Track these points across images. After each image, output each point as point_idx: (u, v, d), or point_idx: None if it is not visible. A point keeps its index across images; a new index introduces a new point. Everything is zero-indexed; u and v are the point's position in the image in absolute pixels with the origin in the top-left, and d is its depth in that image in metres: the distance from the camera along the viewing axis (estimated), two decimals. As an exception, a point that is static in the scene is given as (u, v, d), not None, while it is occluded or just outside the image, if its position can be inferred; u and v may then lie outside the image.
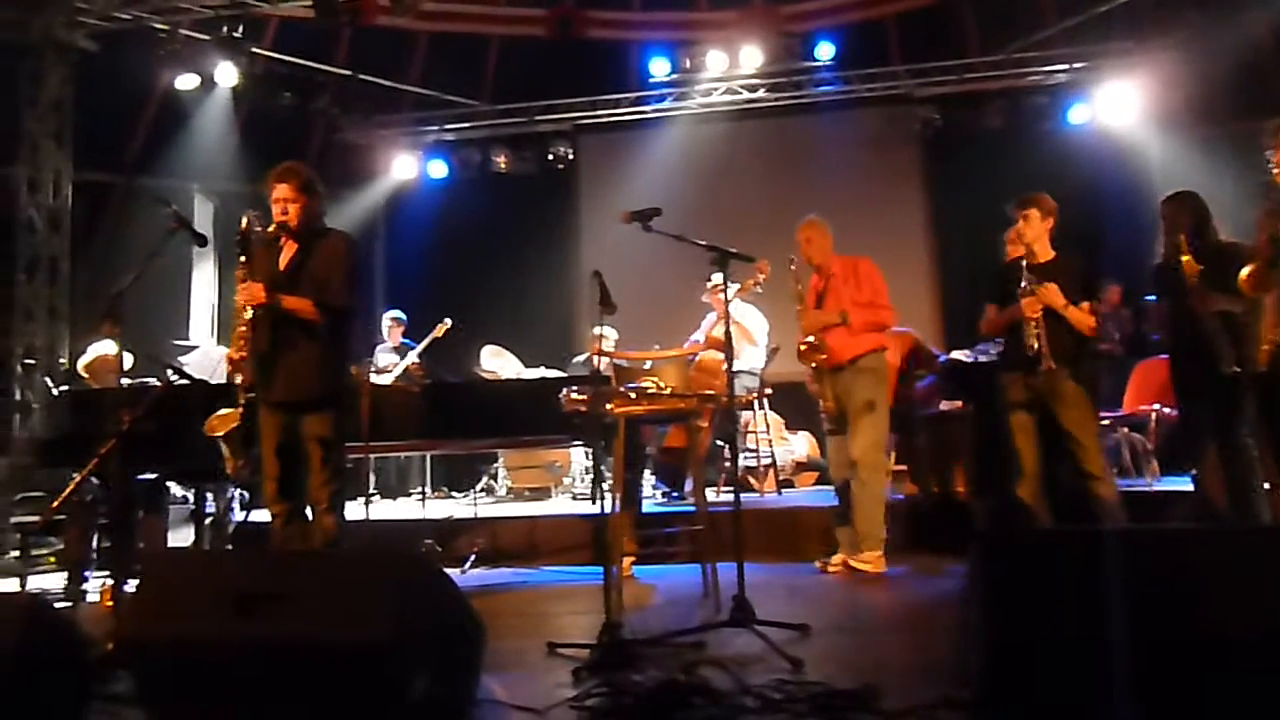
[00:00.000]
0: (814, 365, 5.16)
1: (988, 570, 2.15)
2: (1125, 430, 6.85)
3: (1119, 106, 9.26)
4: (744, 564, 3.54)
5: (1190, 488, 4.77)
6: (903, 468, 6.96)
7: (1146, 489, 6.29)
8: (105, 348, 5.75)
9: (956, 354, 6.50)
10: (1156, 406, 6.48)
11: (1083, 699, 2.08)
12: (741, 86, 10.23)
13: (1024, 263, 4.60)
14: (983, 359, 5.99)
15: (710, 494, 5.50)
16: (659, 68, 10.29)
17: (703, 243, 3.73)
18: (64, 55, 8.52)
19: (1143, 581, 2.09)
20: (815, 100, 10.21)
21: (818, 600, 4.52)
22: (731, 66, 10.04)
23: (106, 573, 5.39)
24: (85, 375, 5.93)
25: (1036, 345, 4.50)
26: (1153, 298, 5.00)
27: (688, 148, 10.35)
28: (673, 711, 2.39)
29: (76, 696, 2.58)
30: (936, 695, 2.40)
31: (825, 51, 9.88)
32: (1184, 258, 4.18)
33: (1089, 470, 4.51)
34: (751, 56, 9.89)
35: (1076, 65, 9.48)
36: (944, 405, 6.83)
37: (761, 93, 10.23)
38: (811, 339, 5.11)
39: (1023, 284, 4.55)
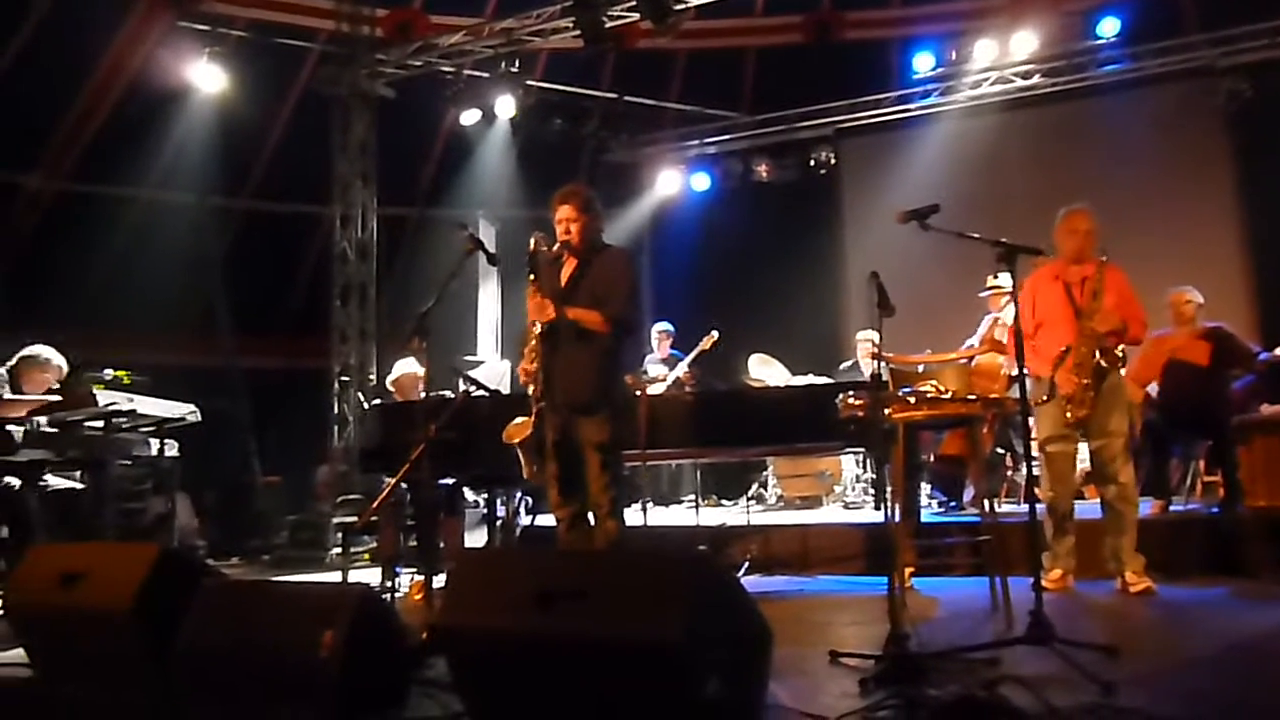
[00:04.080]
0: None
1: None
2: None
3: None
4: (1040, 578, 3.31)
5: None
6: (1214, 478, 6.29)
7: None
8: (410, 364, 6.29)
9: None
10: None
11: None
12: (1014, 75, 9.67)
13: None
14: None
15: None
16: (923, 63, 9.95)
17: (988, 238, 3.54)
18: (368, 103, 9.48)
19: None
20: (1099, 82, 9.47)
21: (1119, 620, 4.17)
22: (1002, 54, 9.53)
23: (414, 569, 5.90)
24: (392, 389, 6.51)
25: None
26: None
27: (955, 143, 9.92)
28: (972, 729, 2.27)
29: (400, 679, 2.83)
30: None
31: (1109, 28, 9.17)
32: None
33: None
34: (1025, 42, 9.35)
35: None
36: (1265, 409, 6.10)
37: (1036, 79, 9.62)
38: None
39: None
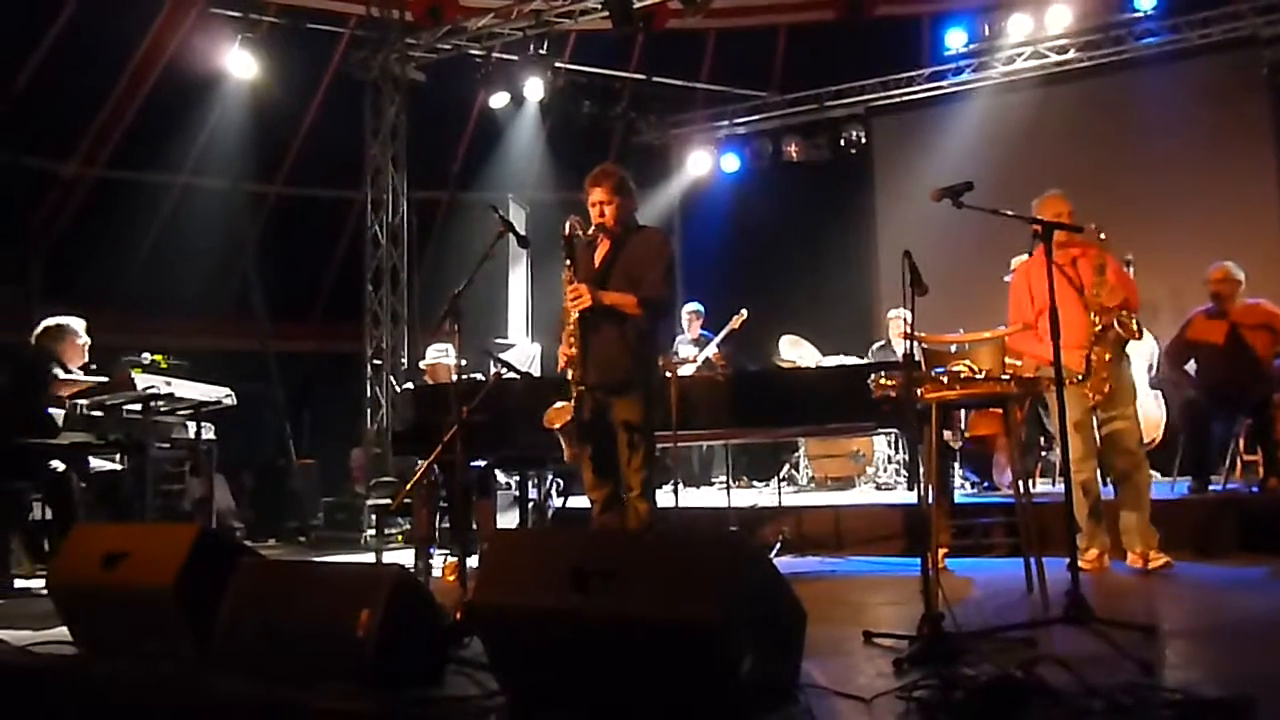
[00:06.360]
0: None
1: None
2: None
3: None
4: (1077, 558, 3.28)
5: None
6: (1254, 458, 6.20)
7: None
8: (442, 351, 6.33)
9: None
10: None
11: None
12: (1049, 49, 9.51)
13: None
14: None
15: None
16: (955, 39, 9.80)
17: (1024, 216, 3.49)
18: (398, 87, 9.50)
19: None
20: (1137, 55, 9.27)
21: (1157, 599, 4.11)
22: (1037, 29, 9.38)
23: (447, 550, 5.94)
24: (426, 373, 6.55)
25: None
26: None
27: (989, 121, 9.79)
28: (1009, 709, 2.24)
29: (435, 658, 2.85)
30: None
31: (1146, 0, 8.96)
32: None
33: None
34: (1060, 15, 9.19)
35: None
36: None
37: (1072, 53, 9.45)
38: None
39: None
